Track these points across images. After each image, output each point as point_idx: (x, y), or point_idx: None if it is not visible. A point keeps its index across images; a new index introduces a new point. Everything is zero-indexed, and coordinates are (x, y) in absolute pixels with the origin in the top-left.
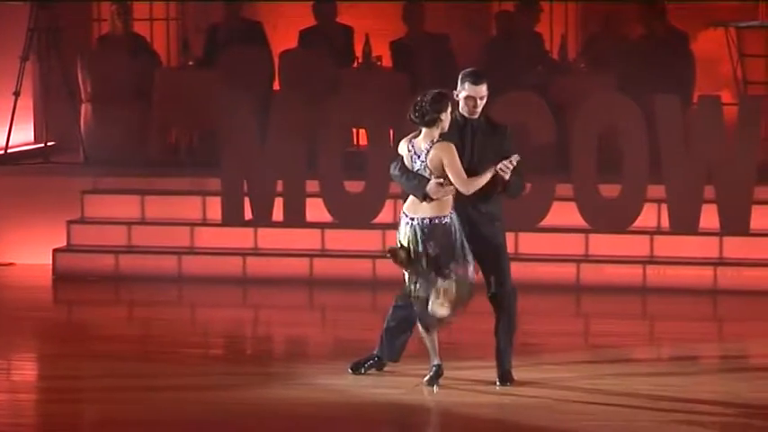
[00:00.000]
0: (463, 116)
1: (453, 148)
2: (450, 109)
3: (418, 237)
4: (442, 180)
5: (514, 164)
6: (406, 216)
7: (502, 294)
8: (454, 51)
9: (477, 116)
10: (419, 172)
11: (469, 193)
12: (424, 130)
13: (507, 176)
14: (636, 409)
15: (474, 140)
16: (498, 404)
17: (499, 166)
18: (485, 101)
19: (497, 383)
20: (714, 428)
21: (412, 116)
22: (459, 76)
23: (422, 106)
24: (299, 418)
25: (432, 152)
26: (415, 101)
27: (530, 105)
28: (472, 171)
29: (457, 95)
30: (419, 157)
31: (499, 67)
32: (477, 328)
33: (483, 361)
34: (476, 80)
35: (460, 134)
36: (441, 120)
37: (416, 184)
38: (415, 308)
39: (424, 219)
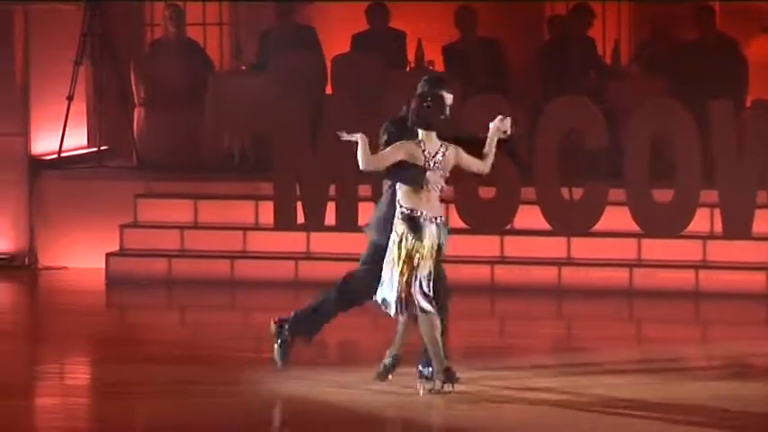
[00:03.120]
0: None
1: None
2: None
3: (443, 236)
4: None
5: None
6: (429, 216)
7: None
8: (506, 56)
9: None
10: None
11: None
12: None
13: None
14: (684, 416)
15: None
16: (543, 408)
17: None
18: None
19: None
20: None
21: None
22: (432, 82)
23: (429, 108)
24: (355, 423)
25: (449, 155)
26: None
27: (583, 110)
28: None
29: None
30: (432, 156)
31: (552, 72)
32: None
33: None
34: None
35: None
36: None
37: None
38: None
39: (441, 217)
